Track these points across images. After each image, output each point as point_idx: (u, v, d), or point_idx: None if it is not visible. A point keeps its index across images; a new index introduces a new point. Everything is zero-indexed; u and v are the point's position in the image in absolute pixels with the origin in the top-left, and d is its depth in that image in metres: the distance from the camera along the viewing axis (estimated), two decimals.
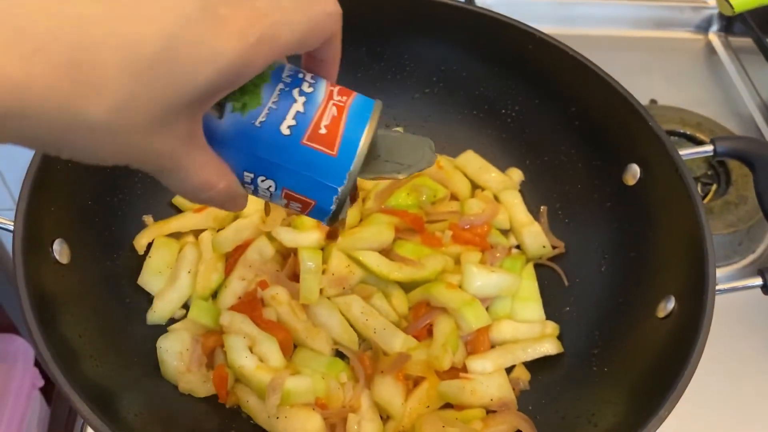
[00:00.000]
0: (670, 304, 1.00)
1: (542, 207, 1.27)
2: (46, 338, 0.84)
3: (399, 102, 1.34)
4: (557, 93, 1.23)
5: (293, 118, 0.58)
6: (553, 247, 1.23)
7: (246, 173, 0.59)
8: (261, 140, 0.58)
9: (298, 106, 0.58)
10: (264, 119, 0.57)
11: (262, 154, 0.58)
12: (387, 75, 1.32)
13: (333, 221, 0.66)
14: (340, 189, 0.60)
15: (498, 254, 1.20)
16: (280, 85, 0.59)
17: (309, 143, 0.58)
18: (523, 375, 1.11)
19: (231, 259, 1.16)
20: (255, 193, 0.63)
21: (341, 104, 0.61)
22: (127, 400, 0.95)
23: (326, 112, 0.59)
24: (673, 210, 1.06)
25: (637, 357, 1.01)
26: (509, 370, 1.11)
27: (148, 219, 1.18)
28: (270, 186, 0.60)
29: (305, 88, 0.60)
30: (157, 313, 1.10)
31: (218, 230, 1.18)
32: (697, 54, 1.80)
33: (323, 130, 0.59)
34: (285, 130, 0.58)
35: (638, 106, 1.13)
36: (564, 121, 1.23)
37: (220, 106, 0.56)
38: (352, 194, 0.62)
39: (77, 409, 0.82)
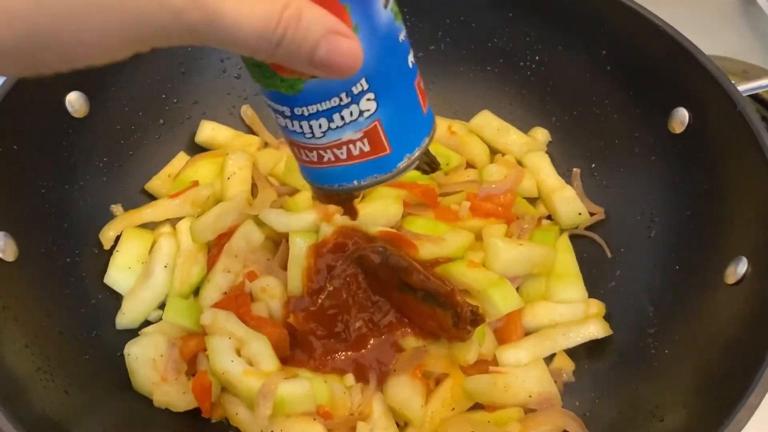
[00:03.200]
0: (741, 267, 0.83)
1: (575, 169, 1.10)
2: None
3: None
4: (584, 35, 1.06)
5: (413, 57, 0.58)
6: (591, 214, 1.06)
7: (362, 82, 0.54)
8: (396, 56, 0.56)
9: (411, 49, 0.59)
10: (404, 39, 0.57)
11: (391, 70, 0.56)
12: None
13: (383, 180, 0.61)
14: (416, 150, 0.61)
15: (526, 225, 1.03)
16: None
17: (417, 89, 0.59)
18: (565, 365, 0.94)
19: (214, 249, 1.00)
20: (332, 120, 0.56)
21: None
22: (88, 420, 0.79)
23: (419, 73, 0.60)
24: (735, 155, 0.90)
25: (705, 333, 0.84)
26: (549, 360, 0.94)
27: (116, 208, 1.03)
28: (367, 110, 0.56)
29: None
30: (127, 316, 0.94)
31: (198, 217, 1.01)
32: (733, 4, 1.64)
33: (422, 85, 0.60)
34: (410, 62, 0.58)
35: (681, 39, 0.96)
36: (594, 67, 1.06)
37: None
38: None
39: None
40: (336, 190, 0.63)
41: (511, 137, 1.12)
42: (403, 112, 0.58)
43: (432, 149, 1.06)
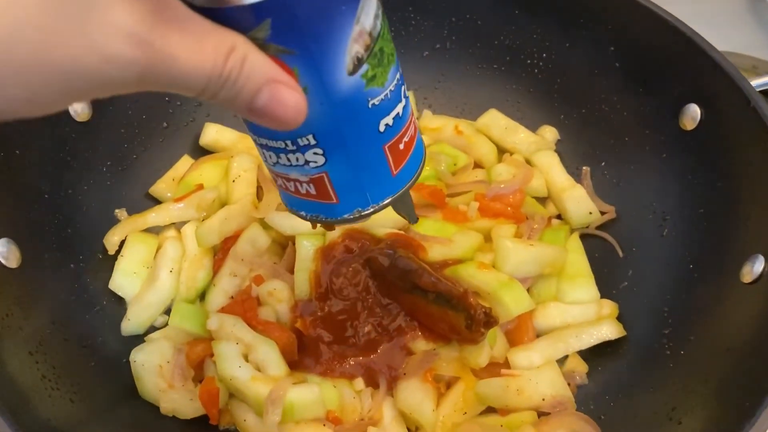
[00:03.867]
0: (758, 266, 0.81)
1: (584, 168, 1.08)
2: None
3: (406, 61, 1.10)
4: (591, 31, 1.04)
5: (392, 118, 0.55)
6: (602, 213, 1.04)
7: (308, 137, 0.53)
8: (359, 121, 0.53)
9: (399, 108, 0.56)
10: (377, 103, 0.53)
11: (347, 133, 0.53)
12: (390, 31, 1.14)
13: (328, 226, 0.63)
14: (370, 207, 0.58)
15: (536, 226, 1.01)
16: (398, 74, 0.55)
17: (387, 151, 0.56)
18: (579, 367, 0.92)
19: (219, 253, 0.99)
20: (279, 157, 0.55)
21: (416, 127, 0.60)
22: (94, 428, 0.78)
23: (409, 129, 0.58)
24: (748, 152, 0.88)
25: (722, 333, 0.83)
26: (561, 362, 0.93)
27: (120, 213, 1.01)
28: (314, 162, 0.54)
29: (405, 88, 0.57)
30: (132, 322, 0.93)
31: (203, 220, 1.00)
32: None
33: (402, 147, 0.58)
34: (382, 126, 0.55)
35: (692, 34, 0.94)
36: (602, 64, 1.05)
37: (357, 63, 0.49)
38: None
39: None
40: (288, 210, 0.63)
41: (519, 136, 1.11)
42: (360, 171, 0.56)
43: (438, 152, 1.06)
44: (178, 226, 1.01)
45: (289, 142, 0.53)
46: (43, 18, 0.36)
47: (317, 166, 0.54)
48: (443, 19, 1.14)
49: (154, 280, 0.95)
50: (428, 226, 0.98)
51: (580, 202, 1.04)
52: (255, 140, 0.56)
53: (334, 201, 0.57)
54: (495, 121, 1.12)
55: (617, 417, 0.85)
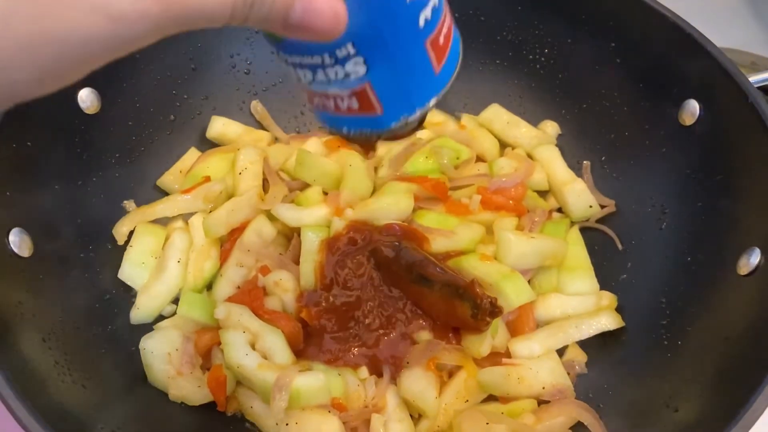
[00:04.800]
0: (754, 258, 0.83)
1: (585, 162, 1.10)
2: None
3: None
4: (593, 28, 1.06)
5: (431, 10, 0.51)
6: (602, 207, 1.06)
7: (347, 46, 0.49)
8: (399, 19, 0.49)
9: (429, 8, 0.51)
10: None
11: (388, 34, 0.49)
12: None
13: (373, 139, 0.57)
14: (417, 110, 0.55)
15: (537, 218, 1.03)
16: None
17: (429, 48, 0.52)
18: (578, 356, 0.94)
19: (226, 243, 1.00)
20: (316, 74, 0.51)
21: (451, 20, 0.56)
22: (105, 414, 0.79)
23: (446, 20, 0.54)
24: (746, 146, 0.90)
25: (718, 324, 0.84)
26: (561, 352, 0.94)
27: (129, 204, 1.03)
28: (355, 73, 0.51)
29: None
30: (141, 311, 0.95)
31: (210, 212, 1.01)
32: None
33: (441, 41, 0.54)
34: (422, 20, 0.50)
35: (691, 30, 0.96)
36: (604, 60, 1.06)
37: None
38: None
39: None
40: (328, 129, 0.59)
41: (521, 130, 1.12)
42: (404, 75, 0.52)
43: (441, 145, 1.08)
44: (185, 217, 1.03)
45: (326, 56, 0.49)
46: None
47: (359, 77, 0.51)
48: None
49: (163, 270, 0.97)
50: (431, 219, 1.00)
51: (581, 196, 1.05)
52: (285, 60, 0.52)
53: (379, 112, 0.54)
54: (497, 115, 1.13)
55: (615, 405, 0.87)
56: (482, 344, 0.89)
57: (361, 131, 0.56)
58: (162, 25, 0.37)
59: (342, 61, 0.50)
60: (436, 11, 0.52)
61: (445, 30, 0.54)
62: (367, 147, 0.69)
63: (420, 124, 0.59)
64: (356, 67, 0.50)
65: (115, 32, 0.36)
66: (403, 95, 0.54)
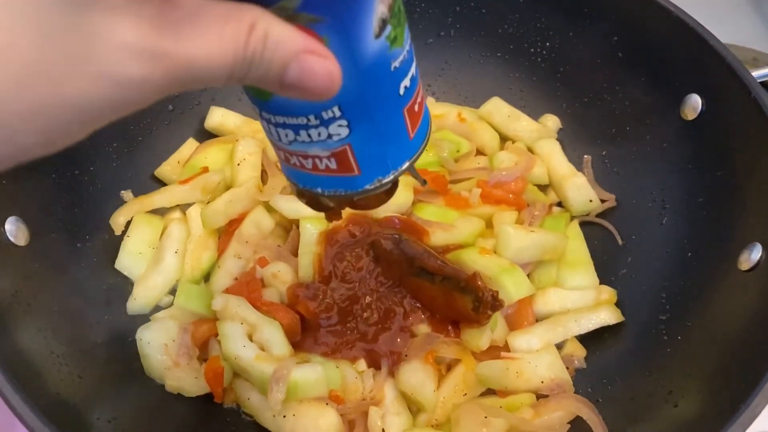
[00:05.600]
0: (755, 254, 0.82)
1: (585, 156, 1.09)
2: None
3: None
4: (595, 21, 1.05)
5: (410, 79, 0.53)
6: (602, 201, 1.05)
7: (334, 109, 0.51)
8: (383, 86, 0.51)
9: (413, 68, 0.54)
10: (398, 66, 0.51)
11: (372, 100, 0.51)
12: None
13: (347, 200, 0.58)
14: (391, 173, 0.56)
15: (537, 212, 1.02)
16: (408, 33, 0.53)
17: (406, 115, 0.54)
18: (577, 351, 0.93)
19: (224, 235, 1.00)
20: (299, 135, 0.52)
21: (423, 91, 0.57)
22: (101, 404, 0.79)
23: (420, 90, 0.56)
24: (749, 141, 0.89)
25: (719, 320, 0.84)
26: (560, 346, 0.94)
27: (126, 194, 1.02)
28: (337, 134, 0.52)
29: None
30: (138, 301, 0.94)
31: (208, 203, 1.01)
32: None
33: (416, 108, 0.56)
34: (402, 89, 0.52)
35: (694, 24, 0.95)
36: (605, 54, 1.05)
37: (382, 25, 0.47)
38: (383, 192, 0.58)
39: (29, 427, 0.66)
40: (301, 189, 0.59)
41: (521, 124, 1.11)
42: (382, 139, 0.54)
43: (440, 138, 1.07)
44: (183, 208, 1.02)
45: (312, 117, 0.51)
46: (44, 59, 0.34)
47: (340, 139, 0.52)
48: (448, 7, 1.15)
49: (160, 260, 0.96)
50: (431, 212, 0.99)
51: (581, 190, 1.05)
52: (269, 120, 0.54)
53: (356, 173, 0.55)
54: (498, 108, 1.13)
55: (614, 400, 0.86)
56: (481, 338, 0.88)
57: (335, 191, 0.57)
58: (165, 87, 0.38)
59: (326, 123, 0.51)
60: (413, 80, 0.54)
61: (419, 99, 0.56)
62: (333, 215, 0.70)
63: (392, 188, 0.60)
64: (339, 129, 0.52)
65: (121, 96, 0.37)
66: (380, 158, 0.55)
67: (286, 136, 0.53)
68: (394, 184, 0.59)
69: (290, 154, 0.56)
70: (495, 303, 0.84)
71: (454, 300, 0.86)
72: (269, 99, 0.51)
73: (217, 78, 0.40)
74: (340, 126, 0.51)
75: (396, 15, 0.49)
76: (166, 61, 0.37)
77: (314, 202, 0.63)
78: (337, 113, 0.50)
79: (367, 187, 0.56)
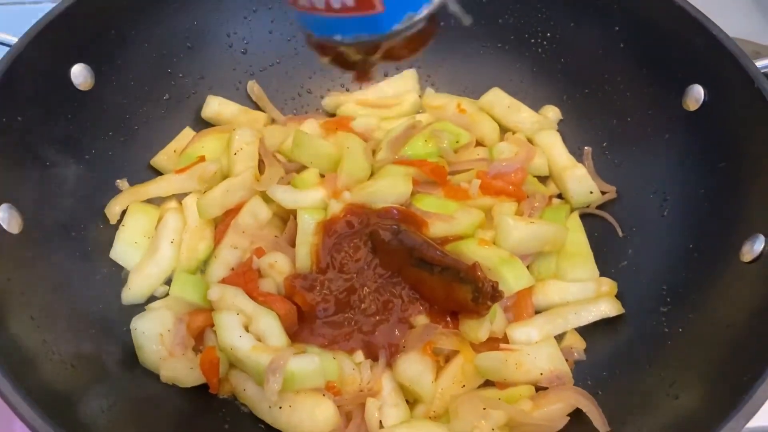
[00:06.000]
0: (758, 245, 0.81)
1: (586, 148, 1.08)
2: None
3: None
4: (597, 11, 1.04)
5: None
6: (603, 193, 1.04)
7: None
8: None
9: None
10: None
11: None
12: None
13: (373, 48, 0.48)
14: (423, 7, 0.47)
15: (537, 204, 1.01)
16: None
17: None
18: (576, 343, 0.93)
19: (221, 225, 0.98)
20: None
21: None
22: (94, 394, 0.77)
23: None
24: (752, 132, 0.88)
25: (720, 311, 0.83)
26: (560, 338, 0.93)
27: (122, 183, 1.01)
28: None
29: None
30: (133, 291, 0.93)
31: (205, 192, 1.00)
32: None
33: None
34: None
35: (697, 15, 0.94)
36: (607, 45, 1.05)
37: None
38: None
39: (21, 417, 0.65)
40: (317, 39, 0.51)
41: (521, 115, 1.11)
42: None
43: (440, 129, 1.06)
44: (179, 197, 1.01)
45: None
46: None
47: None
48: None
49: (155, 250, 0.95)
50: (430, 203, 0.98)
51: (581, 182, 1.04)
52: None
53: (379, 9, 0.46)
54: (498, 99, 1.12)
55: (615, 392, 0.85)
56: (480, 329, 0.87)
57: (358, 37, 0.48)
58: None
59: None
60: None
61: None
62: (362, 72, 0.55)
63: (429, 32, 0.50)
64: None
65: None
66: None
67: None
68: (431, 25, 0.49)
69: None
70: (495, 294, 0.83)
71: (453, 291, 0.85)
72: None
73: None
74: None
75: None
76: None
77: (339, 59, 0.53)
78: None
79: (396, 27, 0.48)
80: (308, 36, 0.50)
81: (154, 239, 0.97)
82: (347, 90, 1.17)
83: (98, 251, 0.94)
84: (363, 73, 0.56)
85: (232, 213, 0.98)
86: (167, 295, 0.94)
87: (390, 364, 0.88)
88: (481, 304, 0.83)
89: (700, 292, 0.87)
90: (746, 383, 0.68)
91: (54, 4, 0.91)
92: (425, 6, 0.48)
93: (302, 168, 1.03)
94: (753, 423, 0.66)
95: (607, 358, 0.90)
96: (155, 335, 0.86)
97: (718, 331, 0.80)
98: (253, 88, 1.14)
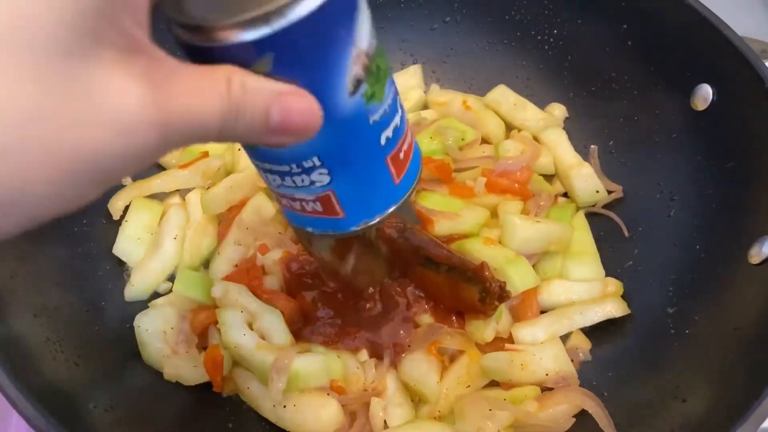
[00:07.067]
0: (766, 248, 0.80)
1: (592, 146, 1.07)
2: None
3: (415, 34, 1.15)
4: (604, 8, 1.03)
5: (392, 130, 0.56)
6: (609, 192, 1.03)
7: (313, 159, 0.53)
8: (362, 139, 0.54)
9: (397, 119, 0.56)
10: (377, 119, 0.53)
11: (351, 151, 0.54)
12: (400, 2, 1.13)
13: (333, 238, 0.65)
14: (376, 217, 0.59)
15: (542, 203, 1.00)
16: (393, 86, 0.56)
17: (389, 163, 0.57)
18: (582, 344, 0.92)
19: (224, 221, 0.98)
20: (284, 180, 0.55)
21: (412, 134, 0.61)
22: (97, 392, 0.77)
23: (407, 135, 0.59)
24: (760, 132, 0.87)
25: (728, 314, 0.82)
26: (565, 339, 0.92)
27: (124, 178, 0.99)
28: (320, 182, 0.55)
29: (400, 98, 0.58)
30: (136, 287, 0.92)
31: (208, 188, 0.99)
32: None
33: (402, 155, 0.58)
34: (383, 139, 0.55)
35: (706, 13, 0.93)
36: (614, 42, 1.03)
37: (357, 84, 0.49)
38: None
39: (23, 415, 0.64)
40: (294, 226, 0.63)
41: (527, 113, 1.10)
42: (365, 186, 0.57)
43: (445, 126, 1.05)
44: (182, 193, 1.01)
45: (294, 165, 0.53)
46: (45, 107, 0.34)
47: (323, 185, 0.55)
48: None
49: (158, 246, 0.95)
50: (435, 201, 0.97)
51: (587, 181, 1.03)
52: (257, 166, 0.57)
53: (341, 215, 0.58)
54: (504, 96, 1.11)
55: (620, 394, 0.85)
56: (486, 329, 0.87)
57: (324, 231, 0.60)
58: (165, 136, 0.39)
59: (308, 171, 0.53)
60: (397, 130, 0.56)
61: (405, 147, 0.58)
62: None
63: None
64: (320, 177, 0.54)
65: (125, 144, 0.37)
66: (364, 203, 0.58)
67: (274, 180, 0.56)
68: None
69: (280, 196, 0.59)
70: (502, 294, 0.83)
71: (460, 290, 0.84)
72: (256, 146, 0.54)
73: (211, 128, 0.41)
74: (320, 174, 0.54)
75: (373, 73, 0.50)
76: (163, 105, 0.38)
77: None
78: (317, 162, 0.53)
79: (353, 228, 0.59)
80: (289, 223, 0.64)
81: (157, 235, 0.96)
82: None
83: (101, 247, 0.93)
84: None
85: (235, 209, 0.97)
86: (170, 291, 0.93)
87: (395, 364, 0.87)
88: (488, 304, 0.83)
89: (708, 293, 0.86)
90: (756, 387, 0.67)
91: None
92: (378, 215, 0.60)
93: None
94: (764, 427, 0.66)
95: (613, 359, 0.89)
96: (159, 332, 0.86)
97: (726, 333, 0.79)
98: None
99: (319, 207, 0.58)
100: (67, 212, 0.39)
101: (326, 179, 0.54)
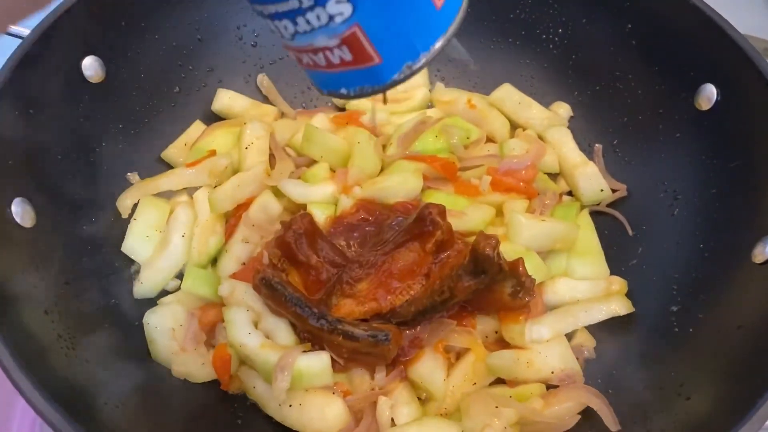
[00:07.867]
0: None
1: (597, 145, 1.08)
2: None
3: None
4: (609, 8, 1.04)
5: None
6: (613, 191, 1.04)
7: None
8: None
9: None
10: None
11: None
12: None
13: (377, 91, 0.49)
14: (421, 57, 0.48)
15: (547, 201, 1.01)
16: None
17: None
18: (587, 341, 0.93)
19: (232, 219, 0.98)
20: (297, 23, 0.45)
21: None
22: (108, 388, 0.78)
23: None
24: (764, 132, 0.88)
25: (731, 312, 0.83)
26: (570, 336, 0.93)
27: (132, 176, 1.01)
28: (340, 14, 0.44)
29: None
30: (145, 285, 0.93)
31: (215, 186, 0.99)
32: None
33: None
34: None
35: (711, 13, 0.93)
36: (619, 42, 1.04)
37: None
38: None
39: (38, 411, 0.65)
40: (326, 94, 0.53)
41: (532, 112, 1.10)
42: (399, 12, 0.46)
43: (450, 125, 1.05)
44: (189, 191, 1.01)
45: (298, 9, 0.44)
46: None
47: (345, 19, 0.45)
48: None
49: (167, 244, 0.95)
50: (440, 199, 0.98)
51: (592, 180, 1.04)
52: (261, 13, 0.47)
53: (377, 60, 0.47)
54: (508, 95, 1.11)
55: (625, 391, 0.85)
56: (524, 334, 0.88)
57: (362, 89, 0.49)
58: None
59: (321, 1, 0.44)
60: None
61: None
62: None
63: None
64: (340, 7, 0.45)
65: None
66: (402, 37, 0.47)
67: (286, 28, 0.46)
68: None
69: (300, 52, 0.48)
70: (532, 289, 0.83)
71: (489, 291, 0.84)
72: None
73: None
74: (339, 3, 0.44)
75: None
76: None
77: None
78: None
79: (396, 76, 0.48)
80: (319, 91, 0.52)
81: (165, 233, 0.96)
82: None
83: (110, 245, 0.94)
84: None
85: (242, 207, 0.98)
86: (179, 289, 0.94)
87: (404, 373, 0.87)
88: (519, 299, 0.83)
89: (711, 292, 0.87)
90: (761, 385, 0.68)
91: None
92: (423, 55, 0.49)
93: (312, 162, 1.03)
94: None
95: (618, 357, 0.90)
96: (167, 330, 0.86)
97: (729, 332, 0.80)
98: (263, 81, 1.14)
99: (347, 54, 0.47)
100: None
101: (347, 9, 0.44)
